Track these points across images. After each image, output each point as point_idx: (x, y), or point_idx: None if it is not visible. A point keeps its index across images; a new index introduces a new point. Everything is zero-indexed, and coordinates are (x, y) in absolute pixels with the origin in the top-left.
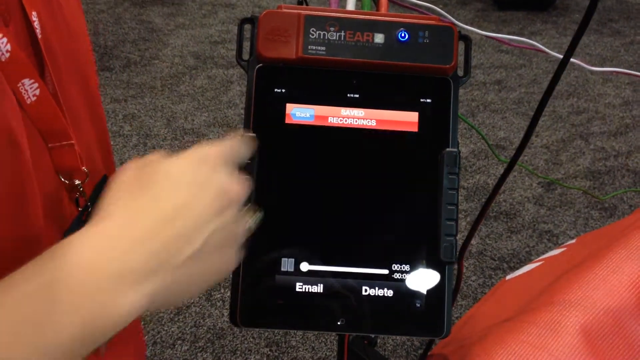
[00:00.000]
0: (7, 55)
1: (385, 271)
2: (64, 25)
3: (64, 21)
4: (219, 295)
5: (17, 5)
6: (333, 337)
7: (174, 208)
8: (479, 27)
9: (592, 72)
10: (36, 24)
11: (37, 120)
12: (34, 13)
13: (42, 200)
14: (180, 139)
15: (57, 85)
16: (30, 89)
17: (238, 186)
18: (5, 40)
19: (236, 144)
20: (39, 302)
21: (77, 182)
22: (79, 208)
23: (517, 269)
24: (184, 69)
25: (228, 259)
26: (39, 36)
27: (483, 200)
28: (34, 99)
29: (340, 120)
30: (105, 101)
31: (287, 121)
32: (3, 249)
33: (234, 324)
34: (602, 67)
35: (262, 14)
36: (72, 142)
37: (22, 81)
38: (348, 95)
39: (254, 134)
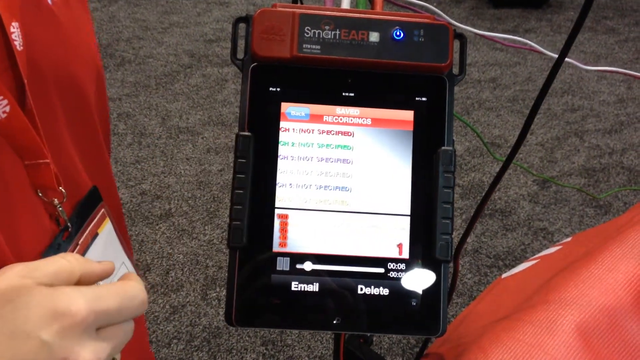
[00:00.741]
0: None
1: (381, 270)
2: (56, 37)
3: (57, 33)
4: (214, 294)
5: None
6: (329, 336)
7: None
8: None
9: (586, 70)
10: (15, 36)
11: (9, 137)
12: (13, 24)
13: (20, 220)
14: (175, 138)
15: (38, 100)
16: None
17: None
18: None
19: (71, 264)
20: None
21: (55, 201)
22: (59, 227)
23: (513, 266)
24: (179, 68)
25: None
26: (19, 48)
27: (478, 198)
28: (3, 115)
29: (336, 119)
30: None
31: (282, 120)
32: None
33: (229, 324)
34: (597, 64)
35: (256, 13)
36: (47, 160)
37: None
38: (343, 93)
39: (249, 133)
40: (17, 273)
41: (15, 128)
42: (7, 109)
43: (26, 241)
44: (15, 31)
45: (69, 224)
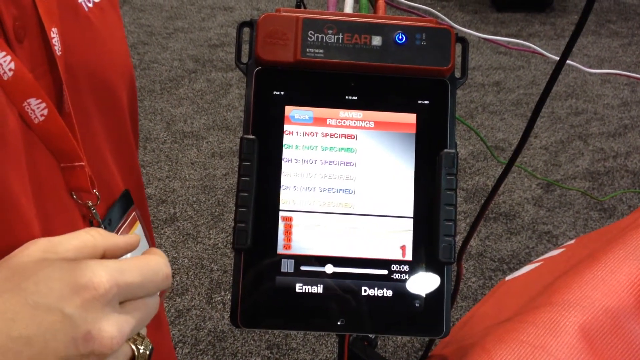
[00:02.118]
0: (11, 74)
1: (385, 272)
2: (92, 43)
3: (93, 39)
4: (219, 298)
5: (35, 21)
6: (333, 339)
7: (8, 338)
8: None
9: (590, 73)
10: (55, 41)
11: (46, 140)
12: (53, 29)
13: (54, 221)
14: (179, 142)
15: (74, 104)
16: (37, 108)
17: (112, 335)
18: (8, 58)
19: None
20: None
21: (89, 203)
22: None
23: (517, 270)
24: (183, 73)
25: None
26: (58, 53)
27: (482, 201)
28: (41, 118)
29: (339, 122)
30: None
31: (286, 123)
32: None
33: (235, 325)
34: (600, 68)
35: (260, 18)
36: (83, 163)
37: (28, 100)
38: (346, 97)
39: (253, 136)
40: (40, 247)
41: (53, 131)
42: (45, 112)
43: None
44: (54, 36)
45: (102, 225)
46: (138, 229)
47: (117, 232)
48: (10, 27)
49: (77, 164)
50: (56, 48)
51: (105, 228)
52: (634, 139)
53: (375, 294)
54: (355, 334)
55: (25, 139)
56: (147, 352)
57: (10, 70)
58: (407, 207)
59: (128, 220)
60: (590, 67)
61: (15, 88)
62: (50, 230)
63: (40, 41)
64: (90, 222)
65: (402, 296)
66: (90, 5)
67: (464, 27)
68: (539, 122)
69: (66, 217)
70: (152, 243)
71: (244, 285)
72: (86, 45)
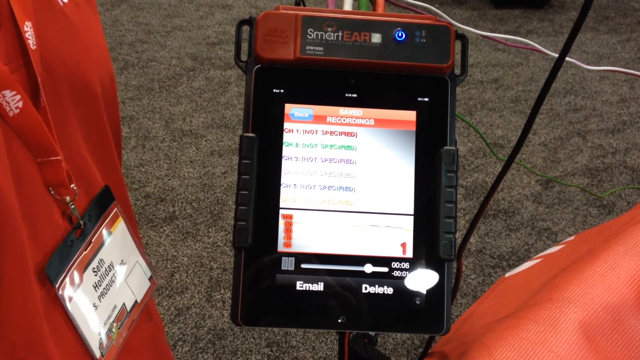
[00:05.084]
0: None
1: (385, 269)
2: (68, 37)
3: (69, 34)
4: (219, 296)
5: (8, 15)
6: (333, 337)
7: None
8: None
9: (588, 70)
10: (28, 34)
11: (21, 134)
12: (27, 23)
13: (34, 215)
14: (178, 141)
15: (50, 99)
16: (12, 100)
17: None
18: None
19: None
20: None
21: (67, 198)
22: (72, 224)
23: (517, 266)
24: (182, 71)
25: None
26: (32, 47)
27: (482, 198)
28: (16, 111)
29: (339, 119)
30: None
31: (286, 121)
32: None
33: (235, 323)
34: (599, 64)
35: (260, 16)
36: (59, 158)
37: (2, 92)
38: (346, 94)
39: (253, 134)
40: None
41: (28, 124)
42: (20, 104)
43: (43, 237)
44: (28, 30)
45: (81, 221)
46: (121, 224)
47: (98, 228)
48: None
49: (53, 158)
50: (30, 42)
51: (85, 224)
52: (633, 135)
53: (376, 292)
54: (356, 332)
55: (2, 131)
56: None
57: None
58: (408, 204)
59: (110, 216)
60: (588, 64)
61: None
62: (32, 224)
63: (15, 35)
64: (69, 218)
65: (403, 293)
66: (65, 0)
67: (463, 24)
68: (538, 118)
69: (45, 212)
70: (137, 240)
71: (244, 283)
72: (62, 40)
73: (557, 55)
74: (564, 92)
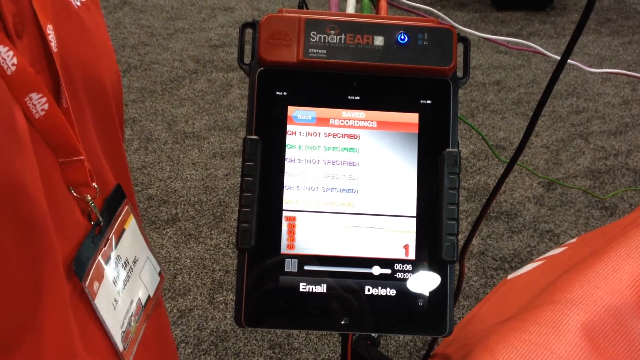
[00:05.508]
0: (13, 68)
1: (388, 271)
2: (83, 39)
3: (84, 35)
4: (221, 298)
5: (31, 18)
6: (336, 339)
7: None
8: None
9: (590, 72)
10: (51, 37)
11: (46, 135)
12: (49, 26)
13: (53, 215)
14: (181, 143)
15: (70, 99)
16: (38, 103)
17: None
18: (11, 53)
19: None
20: None
21: (88, 197)
22: (91, 222)
23: (519, 268)
24: (184, 73)
25: None
26: (54, 50)
27: (484, 200)
28: (42, 113)
29: (342, 122)
30: None
31: (289, 123)
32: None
33: (239, 325)
34: (601, 66)
35: (263, 19)
36: (82, 157)
37: (30, 95)
38: (349, 97)
39: (256, 137)
40: None
41: (53, 126)
42: (46, 106)
43: (67, 235)
44: (50, 33)
45: (100, 219)
46: (132, 221)
47: (112, 226)
48: (10, 23)
49: (76, 158)
50: (52, 44)
51: (102, 222)
52: (635, 137)
53: (379, 293)
54: (359, 333)
55: (30, 134)
56: None
57: (13, 65)
58: (410, 206)
59: (123, 214)
60: (590, 66)
61: (18, 82)
62: (58, 224)
63: (38, 37)
64: (88, 216)
65: (406, 295)
66: (78, 3)
67: (465, 27)
68: (540, 120)
69: (67, 211)
70: (143, 236)
71: (247, 285)
72: (78, 42)
73: (559, 58)
74: (566, 94)
